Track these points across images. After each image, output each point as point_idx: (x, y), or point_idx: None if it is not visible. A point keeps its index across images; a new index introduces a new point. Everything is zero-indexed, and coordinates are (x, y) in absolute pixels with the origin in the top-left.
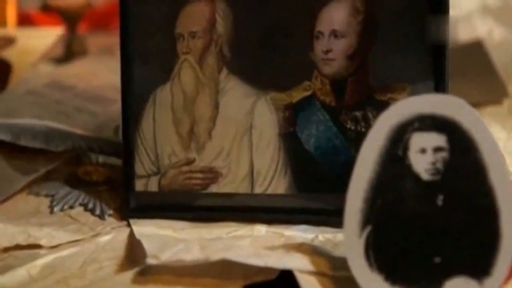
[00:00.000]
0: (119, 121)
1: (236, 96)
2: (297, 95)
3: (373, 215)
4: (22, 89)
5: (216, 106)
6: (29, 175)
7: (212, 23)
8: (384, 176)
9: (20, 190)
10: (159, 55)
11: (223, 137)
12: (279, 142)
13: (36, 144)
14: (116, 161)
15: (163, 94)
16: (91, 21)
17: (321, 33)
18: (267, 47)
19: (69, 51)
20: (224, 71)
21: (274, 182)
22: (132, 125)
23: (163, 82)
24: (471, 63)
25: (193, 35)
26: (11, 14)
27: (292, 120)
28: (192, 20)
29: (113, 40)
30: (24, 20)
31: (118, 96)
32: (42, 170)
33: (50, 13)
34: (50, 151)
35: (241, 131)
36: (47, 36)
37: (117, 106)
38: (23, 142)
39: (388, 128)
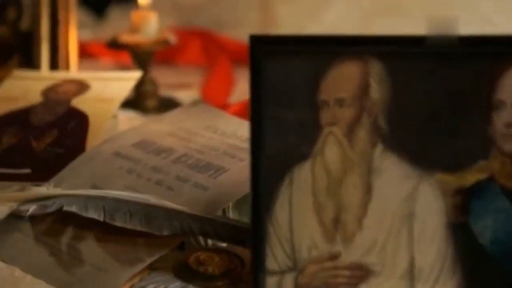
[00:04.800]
0: (232, 195)
1: (394, 177)
2: (470, 177)
3: None
4: (108, 149)
5: (368, 190)
6: (131, 266)
7: (365, 88)
8: None
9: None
10: (298, 126)
11: (377, 227)
12: (446, 234)
13: (135, 226)
14: (234, 247)
15: (302, 174)
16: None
17: (502, 102)
18: (433, 118)
19: (140, 92)
20: (379, 147)
21: (440, 282)
22: (264, 209)
23: (302, 159)
24: None
25: (340, 102)
26: (74, 55)
27: (463, 207)
28: (340, 84)
29: (181, 78)
30: (86, 53)
31: (225, 162)
32: (148, 260)
33: (119, 50)
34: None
35: (399, 220)
36: (121, 80)
37: (227, 176)
38: (119, 222)
39: None
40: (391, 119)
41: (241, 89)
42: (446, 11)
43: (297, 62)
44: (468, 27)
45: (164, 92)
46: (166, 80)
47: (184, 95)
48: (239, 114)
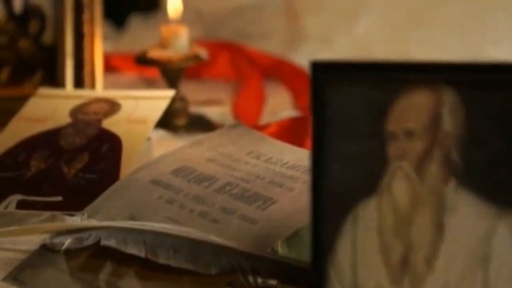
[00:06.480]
0: (284, 229)
1: (468, 216)
2: None
3: None
4: (144, 176)
5: (440, 229)
6: None
7: (437, 119)
8: None
9: None
10: (363, 160)
11: (449, 270)
12: None
13: (180, 263)
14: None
15: (367, 212)
16: None
17: None
18: (511, 152)
19: (170, 110)
20: (452, 183)
21: None
22: (325, 251)
23: (367, 195)
24: None
25: (410, 134)
26: (99, 71)
27: None
28: (410, 114)
29: (210, 93)
30: (106, 66)
31: (273, 192)
32: None
33: (148, 66)
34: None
35: (473, 263)
36: (153, 99)
37: (277, 208)
38: (163, 259)
39: None
40: (465, 152)
41: (272, 106)
42: (478, 23)
43: (363, 91)
44: (505, 39)
45: (193, 109)
46: (194, 96)
47: (215, 112)
48: (278, 135)
